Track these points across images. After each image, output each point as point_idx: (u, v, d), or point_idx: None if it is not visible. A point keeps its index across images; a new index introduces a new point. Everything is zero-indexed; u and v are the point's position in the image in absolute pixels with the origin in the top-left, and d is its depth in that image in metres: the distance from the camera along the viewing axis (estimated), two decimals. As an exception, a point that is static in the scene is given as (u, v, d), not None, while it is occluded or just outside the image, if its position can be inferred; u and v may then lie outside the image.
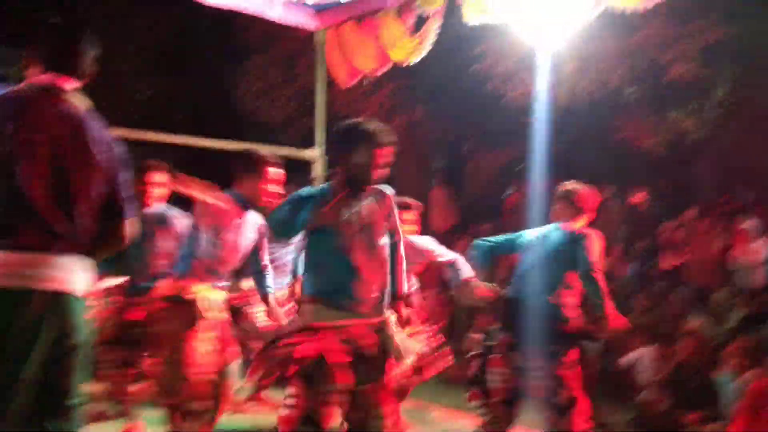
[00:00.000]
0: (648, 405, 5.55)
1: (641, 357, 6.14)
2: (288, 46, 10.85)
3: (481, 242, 4.21)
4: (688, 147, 9.93)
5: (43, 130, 2.20)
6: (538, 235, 4.11)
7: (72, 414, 2.25)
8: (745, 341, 5.37)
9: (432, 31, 5.48)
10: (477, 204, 12.27)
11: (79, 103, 2.33)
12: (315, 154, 7.33)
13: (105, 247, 2.45)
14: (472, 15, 5.03)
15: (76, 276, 2.24)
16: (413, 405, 5.72)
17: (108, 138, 2.36)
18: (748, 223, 8.74)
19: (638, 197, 9.91)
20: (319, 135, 7.41)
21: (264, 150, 7.83)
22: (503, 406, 3.80)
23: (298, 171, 12.63)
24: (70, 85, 2.32)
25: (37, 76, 2.29)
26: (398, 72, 9.86)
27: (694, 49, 8.40)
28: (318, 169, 7.32)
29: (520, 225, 4.80)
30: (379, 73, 6.18)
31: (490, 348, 3.84)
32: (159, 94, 12.84)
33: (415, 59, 5.64)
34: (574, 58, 8.44)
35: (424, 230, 11.97)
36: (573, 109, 9.13)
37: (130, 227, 2.43)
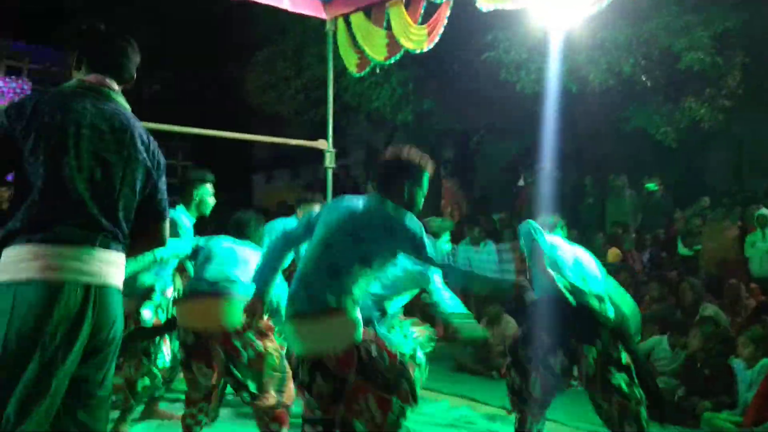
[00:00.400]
0: (662, 392, 5.53)
1: (655, 346, 6.11)
2: (298, 37, 10.86)
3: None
4: (701, 136, 9.86)
5: (89, 125, 2.24)
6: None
7: (103, 406, 2.28)
8: (759, 330, 5.34)
9: (442, 20, 5.46)
10: (488, 194, 12.25)
11: (125, 104, 2.41)
12: (326, 144, 7.32)
13: (143, 246, 2.53)
14: (484, 1, 4.99)
15: (116, 270, 2.26)
16: (424, 393, 5.75)
17: (150, 140, 2.43)
18: (762, 210, 8.68)
19: (651, 185, 9.86)
20: (330, 126, 7.41)
21: (274, 141, 7.89)
22: (538, 409, 3.79)
23: (309, 162, 12.67)
24: (116, 86, 2.41)
25: (85, 76, 2.36)
26: (409, 61, 9.87)
27: (707, 37, 8.33)
28: (328, 160, 7.32)
29: (532, 215, 4.78)
30: (389, 62, 6.16)
31: (526, 355, 3.78)
32: (166, 88, 12.89)
33: (425, 48, 5.62)
34: (587, 47, 8.39)
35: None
36: (585, 98, 9.09)
37: (167, 229, 2.50)
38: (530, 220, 3.87)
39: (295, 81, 11.31)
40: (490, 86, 9.42)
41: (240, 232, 3.96)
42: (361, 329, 2.68)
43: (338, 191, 7.49)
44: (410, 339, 4.21)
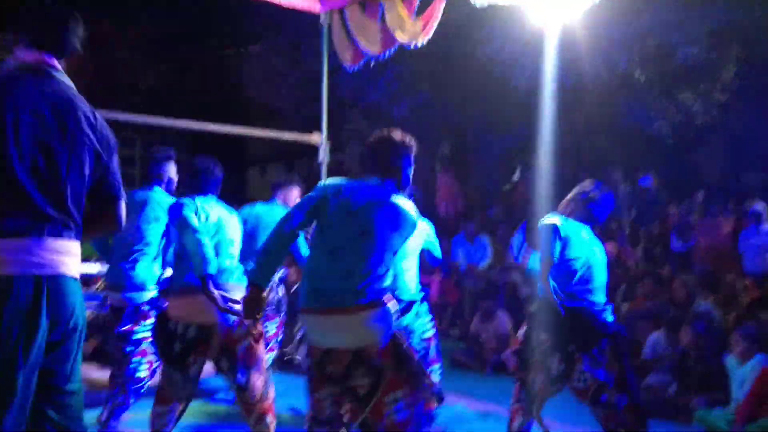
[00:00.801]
0: (655, 389, 5.54)
1: (649, 341, 6.12)
2: (293, 31, 10.81)
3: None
4: (696, 130, 9.86)
5: (30, 110, 2.14)
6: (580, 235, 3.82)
7: (75, 400, 2.21)
8: (752, 326, 5.35)
9: (437, 14, 5.43)
10: (483, 188, 12.23)
11: (67, 82, 2.28)
12: (320, 138, 7.30)
13: (99, 230, 2.43)
14: (478, -3, 4.96)
15: (70, 259, 2.18)
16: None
17: (97, 119, 2.31)
18: (756, 206, 8.69)
19: (647, 181, 9.86)
20: (325, 120, 7.38)
21: (268, 134, 7.86)
22: (533, 407, 3.75)
23: (303, 155, 12.65)
24: (57, 63, 2.27)
25: (24, 55, 2.23)
26: (404, 55, 9.83)
27: (701, 32, 8.33)
28: (322, 155, 7.29)
29: (527, 211, 4.76)
30: (384, 56, 6.12)
31: (533, 349, 3.73)
32: (163, 80, 12.84)
33: (420, 42, 5.59)
34: (582, 43, 8.37)
35: (431, 215, 11.96)
36: (580, 93, 9.07)
37: (123, 211, 2.40)
38: (555, 224, 3.72)
39: (290, 75, 11.28)
40: (486, 81, 9.40)
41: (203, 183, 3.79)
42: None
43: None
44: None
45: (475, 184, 12.63)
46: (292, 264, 5.85)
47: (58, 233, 2.15)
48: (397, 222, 2.81)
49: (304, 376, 2.94)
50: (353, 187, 2.87)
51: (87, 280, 6.24)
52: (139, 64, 12.51)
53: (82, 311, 2.22)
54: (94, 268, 6.75)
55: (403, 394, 2.68)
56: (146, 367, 4.22)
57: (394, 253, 2.82)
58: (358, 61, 6.24)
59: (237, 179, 15.84)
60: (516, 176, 11.17)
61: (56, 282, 2.13)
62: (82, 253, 2.32)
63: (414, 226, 2.88)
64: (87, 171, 2.24)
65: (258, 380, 3.60)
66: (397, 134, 2.99)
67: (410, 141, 3.01)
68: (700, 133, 10.46)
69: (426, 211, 4.94)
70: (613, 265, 7.35)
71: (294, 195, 5.66)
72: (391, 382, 2.67)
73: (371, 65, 6.87)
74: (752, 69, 9.77)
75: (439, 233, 4.93)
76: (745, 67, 9.33)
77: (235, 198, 5.67)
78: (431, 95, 10.44)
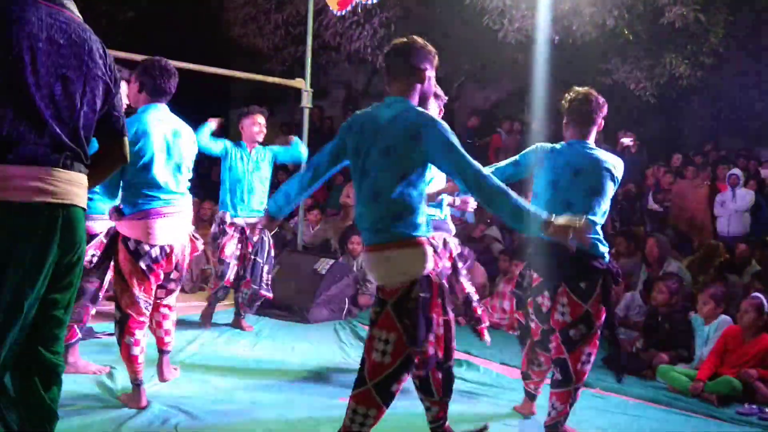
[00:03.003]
0: (622, 344, 5.68)
1: (620, 299, 6.24)
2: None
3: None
4: (679, 92, 9.89)
5: (46, 38, 2.11)
6: (551, 153, 3.56)
7: (63, 333, 2.25)
8: (720, 288, 5.47)
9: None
10: (464, 142, 12.22)
11: (77, 13, 2.26)
12: (303, 84, 7.22)
13: (106, 166, 2.42)
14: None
15: (81, 191, 2.20)
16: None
17: (107, 53, 2.30)
18: (734, 170, 8.81)
19: (626, 140, 9.91)
20: (309, 63, 7.28)
21: (252, 77, 7.75)
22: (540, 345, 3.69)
23: (285, 100, 12.48)
24: None
25: None
26: (392, 1, 9.68)
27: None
28: (305, 99, 7.23)
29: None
30: (372, 1, 6.03)
31: (526, 290, 3.67)
32: (142, 14, 12.49)
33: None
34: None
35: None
36: (567, 48, 9.01)
37: (128, 147, 2.42)
38: (540, 145, 3.57)
39: (275, 14, 11.05)
40: (473, 32, 9.30)
41: None
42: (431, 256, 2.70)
43: (312, 131, 7.46)
44: None
45: (457, 136, 12.59)
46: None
47: (71, 165, 2.16)
48: (399, 147, 2.81)
49: None
50: (368, 116, 2.85)
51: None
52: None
53: (85, 244, 2.27)
54: None
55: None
56: None
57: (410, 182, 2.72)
58: (345, 5, 6.15)
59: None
60: (499, 130, 11.16)
61: (69, 212, 2.14)
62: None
63: (437, 140, 2.78)
64: (98, 104, 2.25)
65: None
66: (414, 40, 2.89)
67: (427, 46, 2.90)
68: (682, 96, 10.50)
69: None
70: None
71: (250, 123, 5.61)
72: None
73: (359, 10, 6.77)
74: (739, 34, 9.76)
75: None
76: (732, 31, 9.32)
77: (215, 138, 5.63)
78: (417, 44, 10.31)
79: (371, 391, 2.68)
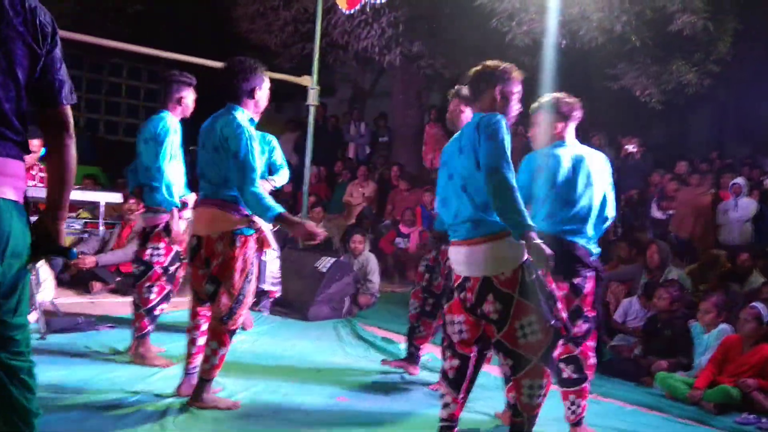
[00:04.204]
0: (621, 350, 5.69)
1: (623, 304, 6.25)
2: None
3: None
4: (686, 99, 9.87)
5: None
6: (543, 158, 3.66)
7: (21, 335, 2.04)
8: (721, 296, 5.47)
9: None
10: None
11: None
12: (310, 81, 7.23)
13: (48, 143, 2.09)
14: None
15: (6, 179, 1.92)
16: (391, 336, 5.84)
17: (28, 7, 1.96)
18: (738, 179, 8.79)
19: (631, 146, 9.90)
20: (316, 61, 7.29)
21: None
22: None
23: (293, 98, 12.48)
24: None
25: None
26: (401, 1, 9.67)
27: (701, 1, 8.26)
28: (311, 97, 7.24)
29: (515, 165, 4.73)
30: (381, 1, 6.03)
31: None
32: (151, 6, 12.50)
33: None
34: (580, 2, 8.28)
35: (418, 166, 11.85)
36: (575, 53, 9.01)
37: (69, 114, 2.08)
38: (529, 155, 3.66)
39: (284, 11, 11.05)
40: (481, 34, 9.28)
41: None
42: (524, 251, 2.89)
43: (315, 129, 7.48)
44: None
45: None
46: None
47: None
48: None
49: None
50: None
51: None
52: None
53: (22, 237, 1.98)
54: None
55: (534, 319, 2.93)
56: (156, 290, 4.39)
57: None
58: (354, 4, 6.15)
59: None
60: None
61: None
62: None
63: (483, 131, 2.99)
64: (19, 71, 1.93)
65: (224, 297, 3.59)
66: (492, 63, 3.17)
67: (507, 67, 3.16)
68: (689, 103, 10.48)
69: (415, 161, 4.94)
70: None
71: None
72: (522, 309, 2.93)
73: (367, 9, 6.77)
74: (748, 42, 9.74)
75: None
76: (741, 39, 9.31)
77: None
78: (424, 45, 10.31)
79: (538, 365, 2.97)
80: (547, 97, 3.73)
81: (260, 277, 5.56)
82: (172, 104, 4.38)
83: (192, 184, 4.42)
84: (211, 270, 3.58)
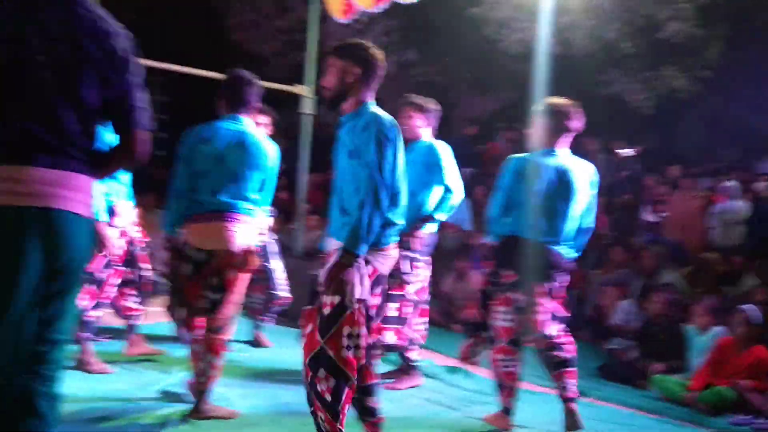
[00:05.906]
0: (617, 353, 5.72)
1: (616, 307, 6.29)
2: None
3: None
4: (677, 105, 9.97)
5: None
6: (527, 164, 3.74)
7: (59, 355, 2.01)
8: (714, 299, 5.52)
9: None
10: (462, 150, 12.25)
11: None
12: (304, 89, 7.26)
13: (111, 162, 2.12)
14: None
15: (70, 191, 1.94)
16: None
17: (111, 29, 2.02)
18: (729, 183, 8.85)
19: (623, 151, 9.97)
20: (310, 71, 7.32)
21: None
22: (511, 347, 3.70)
23: (288, 106, 12.52)
24: None
25: None
26: (395, 10, 9.73)
27: (691, 8, 8.36)
28: (306, 106, 7.26)
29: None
30: (376, 10, 6.08)
31: (496, 288, 3.73)
32: (143, 15, 12.52)
33: (414, -3, 5.55)
34: (572, 10, 8.36)
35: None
36: (567, 61, 9.08)
37: (144, 141, 2.08)
38: (515, 157, 3.78)
39: (278, 21, 11.10)
40: (474, 42, 9.37)
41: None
42: None
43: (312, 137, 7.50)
44: None
45: (455, 145, 12.64)
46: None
47: (56, 163, 1.93)
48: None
49: None
50: None
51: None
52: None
53: (80, 251, 2.00)
54: None
55: None
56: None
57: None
58: (348, 13, 6.19)
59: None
60: (498, 139, 11.21)
61: (49, 215, 1.91)
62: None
63: (374, 133, 2.97)
64: (87, 93, 1.96)
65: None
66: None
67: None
68: (680, 108, 10.57)
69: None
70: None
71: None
72: None
73: (362, 18, 6.81)
74: (738, 48, 9.84)
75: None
76: (731, 45, 9.41)
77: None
78: (419, 53, 10.37)
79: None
80: (550, 100, 3.75)
81: (271, 284, 5.38)
82: None
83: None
84: (222, 281, 3.55)
